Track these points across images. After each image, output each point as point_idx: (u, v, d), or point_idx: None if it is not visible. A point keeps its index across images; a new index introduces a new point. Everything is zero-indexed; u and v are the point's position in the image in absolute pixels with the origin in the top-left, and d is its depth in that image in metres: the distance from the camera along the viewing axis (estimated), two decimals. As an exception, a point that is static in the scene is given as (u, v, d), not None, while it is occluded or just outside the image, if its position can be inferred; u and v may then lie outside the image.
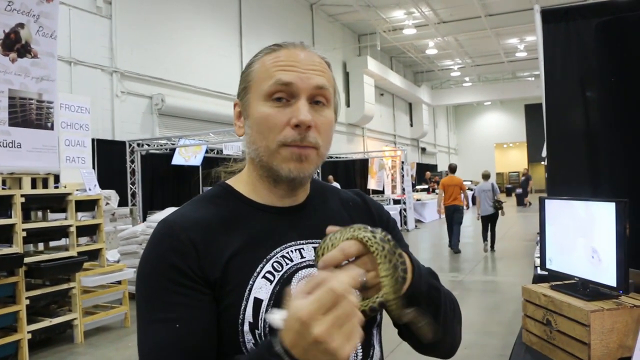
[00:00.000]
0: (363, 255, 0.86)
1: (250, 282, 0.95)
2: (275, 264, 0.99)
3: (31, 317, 5.21)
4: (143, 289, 0.96)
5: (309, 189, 1.12)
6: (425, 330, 0.88)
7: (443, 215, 12.16)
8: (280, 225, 1.04)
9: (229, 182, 1.11)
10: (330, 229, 0.90)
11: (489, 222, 11.29)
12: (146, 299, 0.94)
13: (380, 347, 1.11)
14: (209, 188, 1.13)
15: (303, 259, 1.02)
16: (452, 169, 12.09)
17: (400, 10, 20.79)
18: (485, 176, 11.68)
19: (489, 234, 11.35)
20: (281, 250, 1.01)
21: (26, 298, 5.08)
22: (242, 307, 0.94)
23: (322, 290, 0.72)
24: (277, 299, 0.94)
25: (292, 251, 1.02)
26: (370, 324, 1.06)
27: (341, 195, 1.21)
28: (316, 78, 0.99)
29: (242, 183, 1.09)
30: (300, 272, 1.00)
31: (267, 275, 0.97)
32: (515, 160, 42.17)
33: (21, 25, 5.45)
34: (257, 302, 0.94)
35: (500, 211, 11.21)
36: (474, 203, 12.76)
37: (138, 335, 0.94)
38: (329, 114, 1.03)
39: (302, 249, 1.04)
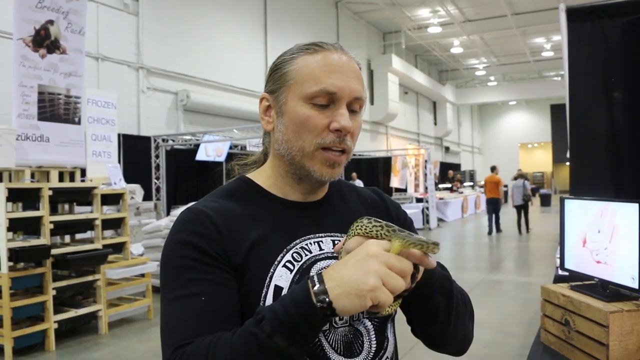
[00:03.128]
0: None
1: (271, 270, 0.99)
2: (294, 254, 1.02)
3: (57, 308, 5.34)
4: (168, 269, 0.98)
5: (327, 186, 1.15)
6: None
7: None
8: (299, 218, 1.08)
9: (249, 176, 1.15)
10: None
11: (521, 210, 14.61)
12: (170, 279, 0.97)
13: (395, 339, 1.14)
14: (229, 181, 1.17)
15: (321, 251, 1.05)
16: (493, 169, 15.20)
17: (426, 9, 20.67)
18: (519, 175, 15.33)
19: (522, 220, 14.61)
20: (300, 242, 1.05)
21: (53, 289, 5.21)
22: (263, 294, 0.97)
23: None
24: None
25: (311, 243, 1.06)
26: (385, 317, 1.09)
27: (359, 193, 1.24)
28: (356, 88, 1.03)
29: (263, 177, 1.13)
30: (318, 263, 1.03)
31: (287, 264, 1.01)
32: (540, 160, 41.70)
33: (51, 22, 5.57)
34: (278, 289, 0.98)
35: (529, 202, 14.74)
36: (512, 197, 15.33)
37: (162, 315, 0.97)
38: (360, 120, 1.07)
39: (321, 241, 1.07)
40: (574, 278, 2.53)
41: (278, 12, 16.04)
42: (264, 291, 0.97)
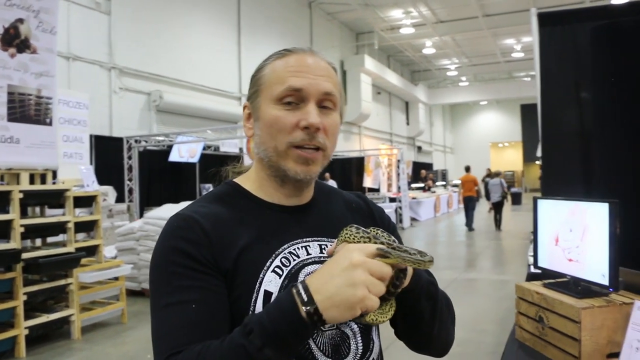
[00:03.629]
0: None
1: (261, 276, 1.00)
2: (283, 259, 1.04)
3: (28, 313, 5.23)
4: (158, 277, 0.99)
5: (313, 189, 1.17)
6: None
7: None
8: (286, 222, 1.09)
9: (237, 180, 1.16)
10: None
11: (498, 206, 15.48)
12: (160, 287, 0.98)
13: (380, 341, 1.16)
14: (210, 186, 1.18)
15: (309, 256, 1.07)
16: (467, 169, 16.22)
17: (398, 10, 20.82)
18: (495, 174, 16.26)
19: (497, 216, 15.49)
20: (288, 247, 1.06)
21: (24, 294, 5.11)
22: (253, 299, 0.98)
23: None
24: None
25: (298, 248, 1.07)
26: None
27: (344, 197, 1.26)
28: (324, 84, 1.05)
29: (250, 181, 1.14)
30: (306, 268, 1.05)
31: (276, 269, 1.02)
32: (511, 159, 42.31)
33: (21, 20, 5.46)
34: (267, 294, 0.99)
35: (505, 199, 15.83)
36: (485, 195, 16.40)
37: (152, 323, 0.97)
38: (335, 117, 1.08)
39: (308, 246, 1.09)
40: (546, 276, 2.58)
41: (251, 12, 15.99)
42: (253, 296, 0.98)
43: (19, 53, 5.46)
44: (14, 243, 5.07)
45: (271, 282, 1.00)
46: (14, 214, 5.09)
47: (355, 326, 1.09)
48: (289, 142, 1.03)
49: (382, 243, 0.92)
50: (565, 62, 3.69)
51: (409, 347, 1.16)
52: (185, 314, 0.93)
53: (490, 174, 17.36)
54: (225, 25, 14.96)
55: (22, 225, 5.13)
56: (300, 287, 0.85)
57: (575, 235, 2.30)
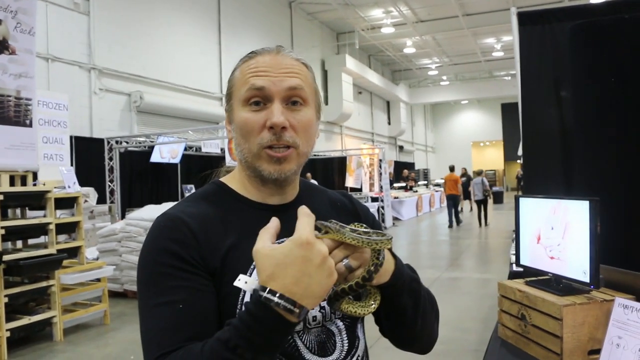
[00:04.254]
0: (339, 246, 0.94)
1: (248, 274, 1.00)
2: None
3: (10, 315, 5.18)
4: (145, 277, 0.99)
5: (297, 187, 1.18)
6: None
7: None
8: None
9: (223, 180, 1.17)
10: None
11: (481, 204, 16.14)
12: (148, 287, 0.98)
13: (365, 339, 1.18)
14: (192, 187, 1.18)
15: None
16: (451, 168, 16.71)
17: (379, 9, 20.89)
18: (478, 172, 16.80)
19: (482, 213, 16.13)
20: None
21: (5, 296, 5.06)
22: (241, 297, 0.99)
23: (303, 217, 0.90)
24: None
25: None
26: (357, 318, 1.13)
27: (329, 196, 1.27)
28: (288, 80, 1.05)
29: (235, 181, 1.15)
30: None
31: None
32: (492, 158, 42.65)
33: (-1, 21, 5.40)
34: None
35: (487, 197, 16.41)
36: (463, 194, 17.12)
37: (141, 323, 0.97)
38: (307, 113, 1.08)
39: None
40: (529, 274, 2.61)
41: (232, 12, 15.94)
42: (241, 294, 0.99)
43: (-3, 54, 5.39)
44: (-6, 246, 5.02)
45: (258, 281, 1.01)
46: (-7, 216, 5.04)
47: (341, 323, 1.10)
48: (260, 144, 1.04)
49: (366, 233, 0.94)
50: (545, 61, 3.74)
51: (393, 344, 1.17)
52: (173, 314, 0.93)
53: (465, 174, 17.89)
54: (205, 25, 14.90)
55: (2, 227, 5.07)
56: (276, 298, 0.82)
57: (557, 233, 2.33)
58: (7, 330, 5.07)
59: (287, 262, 0.84)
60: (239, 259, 1.01)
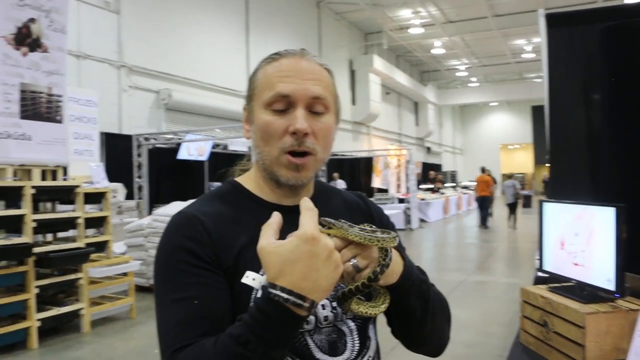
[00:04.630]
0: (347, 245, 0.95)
1: (260, 273, 1.01)
2: None
3: (40, 306, 5.31)
4: (161, 273, 1.02)
5: (312, 189, 1.19)
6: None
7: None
8: (287, 222, 1.11)
9: (238, 179, 1.19)
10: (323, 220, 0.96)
11: (511, 207, 16.36)
12: (164, 283, 1.01)
13: (377, 340, 1.18)
14: (219, 184, 1.20)
15: None
16: (483, 170, 17.12)
17: (407, 9, 20.78)
18: (509, 176, 17.58)
19: (512, 216, 16.32)
20: None
21: (35, 287, 5.19)
22: (253, 295, 1.00)
23: (306, 212, 0.90)
24: None
25: None
26: (368, 318, 1.13)
27: (344, 197, 1.28)
28: (313, 88, 1.06)
29: (250, 181, 1.17)
30: None
31: None
32: (521, 161, 42.10)
33: (32, 20, 5.52)
34: None
35: (519, 200, 16.90)
36: (503, 193, 17.76)
37: (157, 319, 1.00)
38: (328, 120, 1.09)
39: None
40: (554, 280, 2.58)
41: (260, 11, 16.02)
42: (253, 292, 1.00)
43: (30, 52, 5.52)
44: (26, 237, 5.15)
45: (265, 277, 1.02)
46: (26, 209, 5.16)
47: (352, 323, 1.11)
48: (281, 148, 1.05)
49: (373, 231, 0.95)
50: (573, 64, 3.69)
51: (404, 345, 1.18)
52: (188, 310, 0.96)
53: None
54: (233, 24, 15.00)
55: (34, 220, 5.21)
56: (290, 296, 0.84)
57: (581, 239, 2.30)
58: (37, 320, 5.21)
59: (294, 259, 0.85)
60: (252, 258, 1.02)
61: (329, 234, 0.93)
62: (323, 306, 1.08)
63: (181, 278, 0.99)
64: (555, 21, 3.78)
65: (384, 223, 1.26)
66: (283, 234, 1.08)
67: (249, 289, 1.00)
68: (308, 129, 1.04)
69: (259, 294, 0.91)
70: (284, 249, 0.86)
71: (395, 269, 1.00)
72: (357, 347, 1.11)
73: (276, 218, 0.94)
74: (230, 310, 0.99)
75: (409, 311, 1.07)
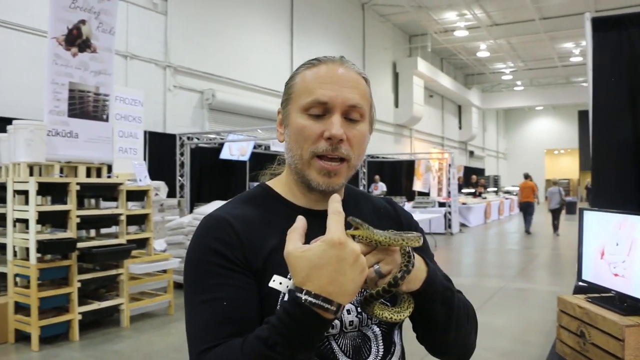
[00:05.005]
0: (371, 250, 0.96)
1: (288, 277, 1.03)
2: None
3: (82, 300, 5.46)
4: (191, 274, 1.04)
5: (342, 194, 1.20)
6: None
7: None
8: (316, 226, 1.12)
9: (269, 183, 1.21)
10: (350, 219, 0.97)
11: (555, 213, 16.35)
12: (194, 284, 1.03)
13: (402, 346, 1.18)
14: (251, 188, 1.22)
15: None
16: (527, 176, 16.95)
17: (452, 12, 20.58)
18: (554, 182, 17.42)
19: (555, 222, 16.30)
20: None
21: (78, 281, 5.34)
22: (281, 297, 1.01)
23: (333, 216, 0.91)
24: None
25: None
26: (394, 323, 1.14)
27: (373, 202, 1.28)
28: (351, 96, 1.07)
29: (281, 184, 1.18)
30: None
31: None
32: (566, 167, 41.18)
33: (83, 21, 5.69)
34: None
35: (563, 206, 16.93)
36: (546, 199, 17.62)
37: (186, 319, 1.03)
38: (362, 127, 1.10)
39: None
40: (593, 290, 2.52)
41: (304, 13, 16.11)
42: (281, 295, 1.01)
43: (80, 52, 5.69)
44: (71, 232, 5.30)
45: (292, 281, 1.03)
46: (71, 205, 5.32)
47: (377, 329, 1.12)
48: (313, 151, 1.06)
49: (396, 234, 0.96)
50: (620, 69, 3.60)
51: (428, 351, 1.17)
52: (217, 311, 0.98)
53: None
54: (278, 25, 15.13)
55: (78, 216, 5.36)
56: (317, 300, 0.85)
57: (622, 249, 2.25)
58: (79, 313, 5.36)
59: (322, 263, 0.86)
60: (280, 261, 1.03)
61: (354, 236, 0.94)
62: (348, 311, 1.08)
63: (210, 279, 1.01)
64: (601, 25, 3.70)
65: (413, 229, 1.26)
66: (315, 236, 1.09)
67: (277, 292, 1.01)
68: (343, 135, 1.05)
69: (286, 298, 0.92)
70: (311, 253, 0.87)
71: (418, 275, 1.01)
72: (382, 353, 1.11)
73: (300, 223, 0.95)
74: (259, 312, 1.01)
75: (433, 317, 1.07)
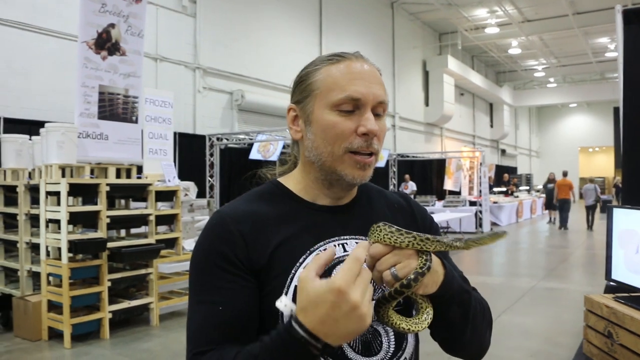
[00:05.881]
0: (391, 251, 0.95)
1: (292, 272, 1.03)
2: None
3: (112, 298, 5.56)
4: (194, 273, 1.06)
5: (355, 189, 1.19)
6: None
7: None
8: (325, 221, 1.12)
9: (280, 179, 1.20)
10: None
11: (590, 209, 17.42)
12: (196, 282, 1.05)
13: (416, 341, 1.16)
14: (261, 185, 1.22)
15: (346, 253, 1.09)
16: (564, 174, 17.61)
17: (483, 9, 20.32)
18: (591, 180, 18.63)
19: (590, 218, 17.30)
20: (325, 244, 1.09)
21: (108, 280, 5.44)
22: (283, 294, 1.02)
23: (350, 260, 0.87)
24: None
25: (335, 245, 1.09)
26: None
27: (387, 197, 1.27)
28: (379, 92, 1.08)
29: (294, 182, 1.18)
30: (341, 264, 1.06)
31: None
32: (601, 165, 40.27)
33: (112, 25, 5.79)
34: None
35: (598, 203, 17.82)
36: (580, 197, 19.43)
37: (188, 314, 1.05)
38: (385, 123, 1.12)
39: (346, 243, 1.11)
40: (622, 289, 2.47)
41: (333, 13, 16.11)
42: (284, 291, 1.02)
43: (109, 55, 5.79)
44: (101, 232, 5.40)
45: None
46: (101, 205, 5.42)
47: None
48: (346, 147, 1.06)
49: (427, 239, 0.95)
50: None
51: (442, 348, 1.16)
52: (213, 314, 1.00)
53: (551, 180, 18.40)
54: (307, 26, 15.16)
55: (108, 216, 5.46)
56: (305, 334, 0.86)
57: (651, 247, 2.19)
58: (109, 311, 5.46)
59: (318, 302, 0.85)
60: (285, 257, 1.04)
61: (378, 240, 0.94)
62: None
63: (210, 280, 1.02)
64: (633, 17, 3.61)
65: (427, 224, 1.25)
66: (325, 231, 1.09)
67: (279, 290, 1.02)
68: (377, 130, 1.06)
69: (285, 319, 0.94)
70: (312, 289, 0.87)
71: (435, 279, 0.99)
72: (393, 349, 1.10)
73: (328, 254, 0.92)
74: (256, 316, 1.02)
75: (449, 319, 1.06)
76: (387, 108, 1.12)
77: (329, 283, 0.85)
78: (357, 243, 1.10)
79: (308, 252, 1.06)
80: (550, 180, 18.53)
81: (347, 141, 1.05)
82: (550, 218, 19.05)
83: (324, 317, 0.85)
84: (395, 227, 0.95)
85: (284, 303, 0.91)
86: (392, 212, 1.22)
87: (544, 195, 20.91)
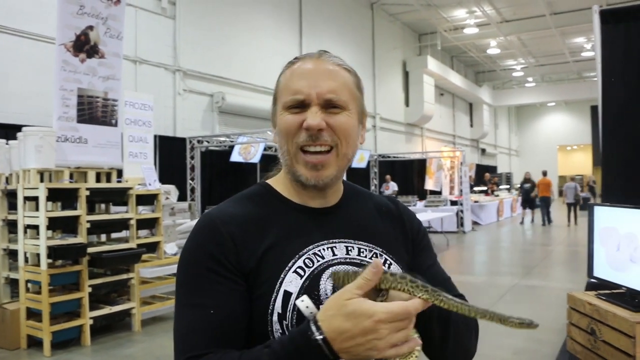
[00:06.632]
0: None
1: (282, 276, 1.02)
2: (306, 260, 1.05)
3: (93, 304, 5.48)
4: (182, 275, 1.05)
5: (341, 190, 1.19)
6: None
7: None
8: (314, 224, 1.11)
9: (269, 181, 1.20)
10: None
11: (571, 207, 18.24)
12: (184, 285, 1.03)
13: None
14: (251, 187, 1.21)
15: (334, 257, 1.08)
16: (544, 173, 18.35)
17: (462, 9, 20.48)
18: (572, 178, 20.23)
19: (571, 214, 18.19)
20: (313, 248, 1.07)
21: (89, 286, 5.36)
22: (273, 298, 1.00)
23: (405, 307, 0.85)
24: (306, 293, 1.00)
25: (324, 249, 1.08)
26: None
27: (375, 200, 1.26)
28: (325, 90, 1.06)
29: (280, 183, 1.17)
30: (330, 268, 1.05)
31: (298, 270, 1.03)
32: (579, 163, 40.79)
33: (90, 27, 5.72)
34: (287, 294, 1.00)
35: (578, 201, 18.72)
36: (560, 195, 20.53)
37: (175, 318, 1.03)
38: (344, 116, 1.08)
39: (335, 247, 1.09)
40: (604, 286, 2.49)
41: (313, 14, 16.11)
42: (273, 296, 1.00)
43: (88, 58, 5.72)
44: (81, 238, 5.33)
45: (291, 283, 1.01)
46: (81, 210, 5.34)
47: None
48: (297, 143, 1.06)
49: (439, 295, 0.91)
50: (630, 62, 3.54)
51: (427, 357, 1.15)
52: (204, 318, 0.98)
53: (527, 180, 18.83)
54: (287, 27, 15.14)
55: (88, 221, 5.38)
56: (320, 339, 0.85)
57: (634, 244, 2.21)
58: (90, 318, 5.37)
59: (350, 316, 0.84)
60: (274, 262, 1.03)
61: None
62: None
63: (200, 283, 1.01)
64: (610, 17, 3.64)
65: (415, 228, 1.25)
66: (314, 234, 1.08)
67: (269, 294, 1.00)
68: (322, 123, 1.04)
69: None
70: (355, 303, 0.85)
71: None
72: None
73: (373, 278, 0.89)
74: (246, 319, 1.00)
75: (428, 334, 1.05)
76: (348, 102, 1.09)
77: (369, 309, 0.84)
78: (346, 247, 1.09)
79: (297, 256, 1.05)
80: (527, 180, 18.94)
81: (296, 136, 1.06)
82: (523, 219, 19.35)
83: (343, 329, 0.84)
84: (444, 294, 0.92)
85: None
86: (380, 215, 1.21)
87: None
